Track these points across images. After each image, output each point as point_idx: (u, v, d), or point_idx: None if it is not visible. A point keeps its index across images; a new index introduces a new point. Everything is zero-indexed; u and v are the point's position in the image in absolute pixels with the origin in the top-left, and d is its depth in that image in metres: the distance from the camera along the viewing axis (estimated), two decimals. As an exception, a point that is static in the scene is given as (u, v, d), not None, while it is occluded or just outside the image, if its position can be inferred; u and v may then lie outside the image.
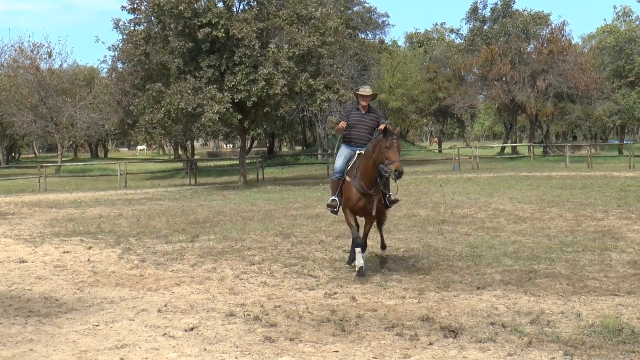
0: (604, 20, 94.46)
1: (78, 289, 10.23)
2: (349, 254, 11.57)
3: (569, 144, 54.10)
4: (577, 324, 7.44)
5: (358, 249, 10.67)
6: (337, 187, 11.12)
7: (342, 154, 11.17)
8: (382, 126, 10.36)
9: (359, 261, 10.54)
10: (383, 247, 11.94)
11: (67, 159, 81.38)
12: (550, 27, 62.00)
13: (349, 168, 10.92)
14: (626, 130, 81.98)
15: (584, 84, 54.92)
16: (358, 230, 10.98)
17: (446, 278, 10.07)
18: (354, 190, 10.64)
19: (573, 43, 61.37)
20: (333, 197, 11.18)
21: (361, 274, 10.37)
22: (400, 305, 8.62)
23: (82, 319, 8.35)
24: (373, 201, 10.61)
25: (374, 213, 10.77)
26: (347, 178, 10.81)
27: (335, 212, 11.45)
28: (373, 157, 10.30)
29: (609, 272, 10.27)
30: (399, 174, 9.91)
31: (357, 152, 10.91)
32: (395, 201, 11.39)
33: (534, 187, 26.92)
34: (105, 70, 61.00)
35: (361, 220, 11.31)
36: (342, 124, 11.03)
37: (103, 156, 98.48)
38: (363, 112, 11.18)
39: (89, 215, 21.91)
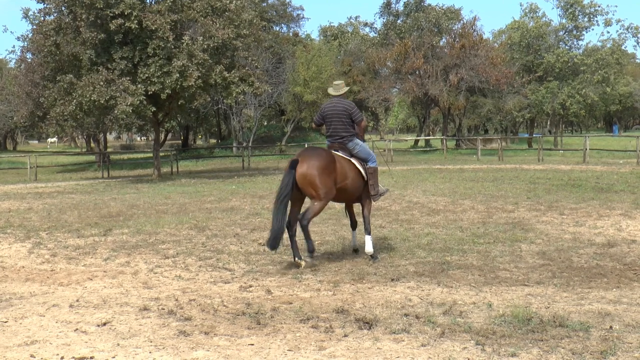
0: (512, 17, 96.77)
1: (-14, 285, 9.98)
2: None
3: (480, 137, 55.05)
4: (488, 314, 7.59)
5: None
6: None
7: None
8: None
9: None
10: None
11: (-26, 151, 79.25)
12: (462, 22, 62.98)
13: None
14: (535, 124, 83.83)
15: (495, 79, 55.96)
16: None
17: (361, 270, 10.14)
18: None
19: (484, 38, 62.45)
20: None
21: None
22: (316, 297, 8.65)
23: (-10, 316, 8.15)
24: None
25: None
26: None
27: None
28: None
29: (519, 262, 10.50)
30: None
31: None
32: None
33: (447, 179, 27.35)
34: (14, 60, 59.53)
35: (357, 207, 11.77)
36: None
37: (12, 149, 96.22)
38: None
39: (-2, 209, 21.41)
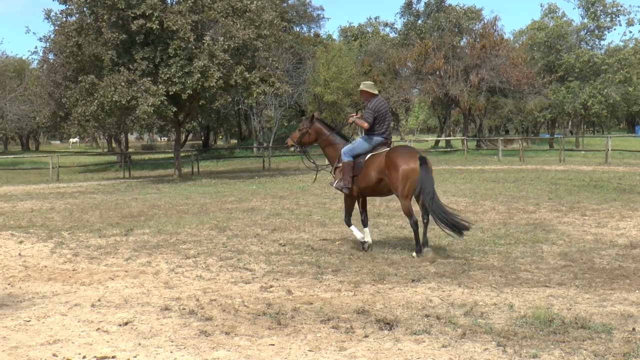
0: (532, 19, 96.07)
1: (9, 284, 10.02)
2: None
3: (501, 138, 54.76)
4: (509, 315, 7.55)
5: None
6: None
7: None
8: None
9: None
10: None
11: (-3, 151, 79.80)
12: (482, 22, 62.74)
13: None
14: (557, 125, 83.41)
15: (516, 79, 55.69)
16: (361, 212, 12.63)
17: (381, 271, 10.13)
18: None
19: (505, 38, 62.18)
20: None
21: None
22: (336, 298, 8.65)
23: (12, 315, 8.19)
24: None
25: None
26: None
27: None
28: None
29: (540, 264, 10.45)
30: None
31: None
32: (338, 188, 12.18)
33: (467, 180, 27.26)
34: (37, 61, 59.88)
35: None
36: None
37: (34, 149, 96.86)
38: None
39: (20, 209, 21.52)
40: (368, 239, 12.10)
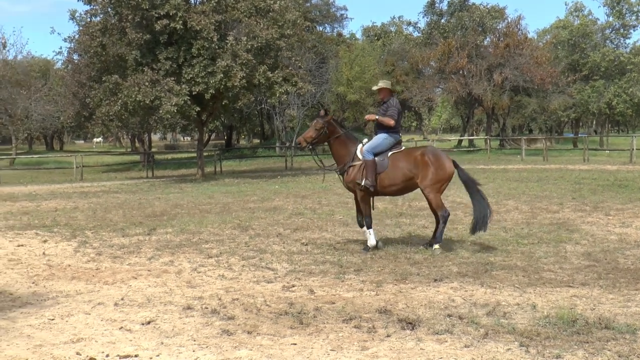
0: (557, 17, 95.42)
1: (33, 283, 10.10)
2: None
3: (525, 137, 54.56)
4: (532, 316, 7.52)
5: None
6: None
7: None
8: (366, 116, 12.54)
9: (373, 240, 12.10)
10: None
11: (22, 151, 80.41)
12: (506, 21, 62.44)
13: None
14: (581, 124, 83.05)
15: (540, 78, 55.43)
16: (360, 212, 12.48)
17: (404, 270, 10.11)
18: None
19: (529, 37, 61.90)
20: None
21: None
22: (358, 297, 8.64)
23: (37, 313, 8.25)
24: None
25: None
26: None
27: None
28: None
29: (563, 263, 10.39)
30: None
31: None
32: (361, 185, 12.07)
33: (490, 179, 27.15)
34: (61, 61, 60.25)
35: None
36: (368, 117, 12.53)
37: (59, 149, 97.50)
38: (381, 104, 12.51)
39: (44, 208, 21.66)
40: (373, 241, 12.12)
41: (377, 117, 12.13)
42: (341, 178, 12.53)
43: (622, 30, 64.61)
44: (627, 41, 65.80)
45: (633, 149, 39.53)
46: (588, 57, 62.46)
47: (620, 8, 63.17)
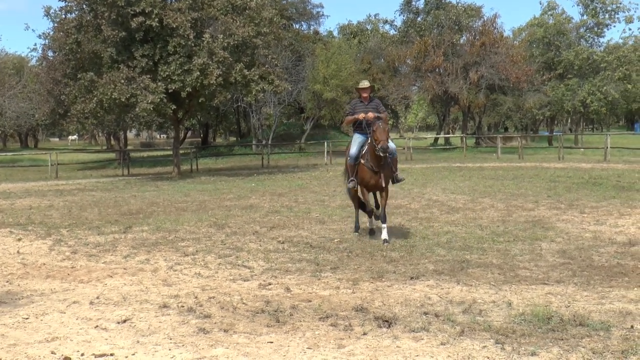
0: (533, 15, 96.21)
1: (7, 282, 10.02)
2: (354, 223, 13.96)
3: (500, 135, 54.84)
4: (508, 313, 7.57)
5: (371, 219, 13.35)
6: (353, 170, 12.95)
7: (356, 141, 12.97)
8: (369, 114, 12.62)
9: (382, 232, 12.64)
10: (383, 221, 12.76)
11: (-4, 149, 79.74)
12: (482, 19, 62.61)
13: (363, 152, 12.69)
14: (556, 122, 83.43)
15: (515, 76, 55.63)
16: (369, 204, 13.09)
17: (380, 268, 10.14)
18: (367, 170, 12.47)
19: (504, 36, 62.15)
20: (352, 179, 13.02)
21: (371, 232, 13.40)
22: (335, 295, 8.65)
23: (11, 312, 8.19)
24: (382, 177, 12.40)
25: (384, 186, 12.57)
26: (362, 161, 12.62)
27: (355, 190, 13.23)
28: (373, 141, 12.18)
29: (539, 261, 10.46)
30: (383, 150, 11.85)
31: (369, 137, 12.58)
32: (401, 179, 13.37)
33: (466, 177, 27.28)
34: (36, 58, 59.73)
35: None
36: (361, 116, 12.75)
37: (33, 146, 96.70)
38: (366, 102, 13.03)
39: (19, 206, 21.51)
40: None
41: (381, 114, 12.67)
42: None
43: (596, 29, 65.01)
44: (601, 40, 66.35)
45: (607, 147, 39.83)
46: (562, 56, 62.83)
47: (594, 6, 63.57)
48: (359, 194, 13.15)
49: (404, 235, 13.21)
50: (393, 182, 13.15)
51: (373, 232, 13.34)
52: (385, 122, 12.26)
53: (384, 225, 12.53)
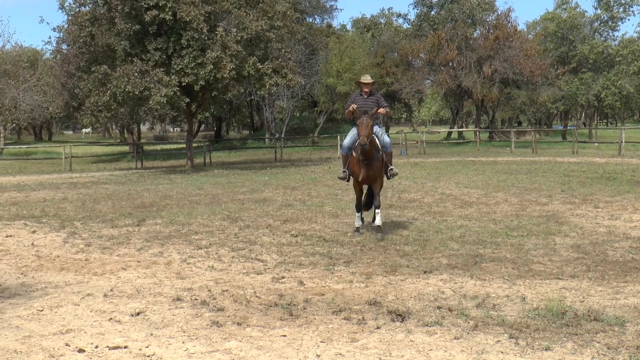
0: (546, 9, 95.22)
1: (22, 274, 10.06)
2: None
3: (514, 130, 54.66)
4: (522, 308, 7.53)
5: (358, 213, 13.31)
6: (346, 161, 13.21)
7: (351, 134, 13.16)
8: (352, 106, 12.74)
9: (358, 222, 13.22)
10: (377, 205, 12.98)
11: (10, 142, 79.99)
12: (496, 13, 62.43)
13: (356, 144, 12.75)
14: (570, 116, 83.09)
15: (529, 70, 55.43)
16: (361, 197, 13.40)
17: (393, 262, 10.12)
18: (357, 162, 12.72)
19: (518, 29, 61.92)
20: (344, 169, 13.29)
21: (357, 231, 13.02)
22: (348, 289, 8.64)
23: (25, 304, 8.22)
24: (374, 169, 12.66)
25: (374, 179, 12.83)
26: (353, 153, 12.88)
27: (347, 181, 13.59)
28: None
29: (553, 256, 10.41)
30: (362, 144, 12.11)
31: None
32: (395, 174, 13.39)
33: (480, 172, 27.20)
34: (50, 51, 59.93)
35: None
36: (352, 107, 12.79)
37: (47, 139, 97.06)
38: (365, 96, 13.17)
39: (33, 199, 21.58)
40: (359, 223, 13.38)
41: (380, 109, 12.77)
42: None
43: (610, 23, 64.73)
44: (616, 33, 65.95)
45: (622, 142, 39.63)
46: (576, 50, 62.56)
47: (607, 0, 63.28)
48: (355, 186, 13.42)
49: (417, 229, 13.18)
50: (387, 177, 13.33)
51: (358, 231, 13.09)
52: (370, 117, 12.23)
53: (378, 211, 12.79)
